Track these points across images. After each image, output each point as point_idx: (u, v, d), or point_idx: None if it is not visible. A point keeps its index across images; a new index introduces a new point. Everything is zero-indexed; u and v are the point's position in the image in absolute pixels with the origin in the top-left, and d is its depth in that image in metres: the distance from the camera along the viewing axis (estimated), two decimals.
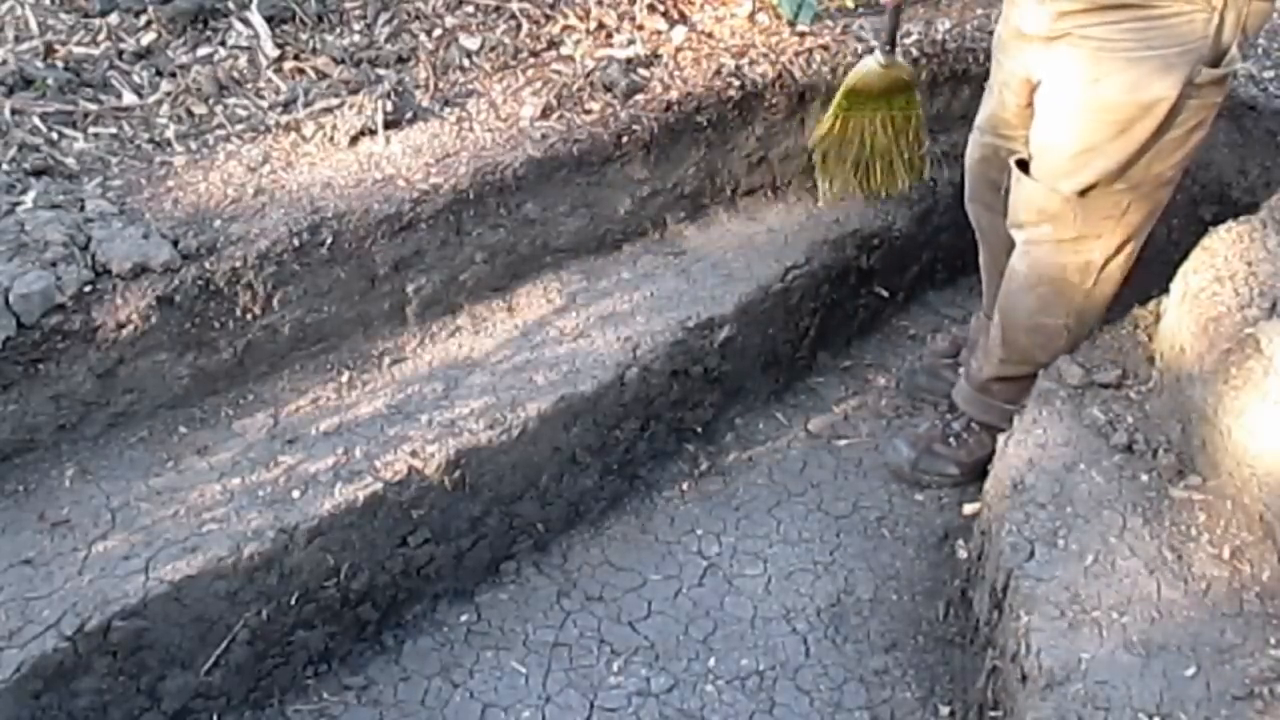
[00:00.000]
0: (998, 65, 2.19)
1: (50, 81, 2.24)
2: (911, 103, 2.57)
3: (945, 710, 1.97)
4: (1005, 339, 2.28)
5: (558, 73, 2.53)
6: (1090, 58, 1.92)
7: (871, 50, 2.51)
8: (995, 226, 2.31)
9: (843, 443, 2.53)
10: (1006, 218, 2.20)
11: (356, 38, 2.55)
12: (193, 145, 2.24)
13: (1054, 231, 2.10)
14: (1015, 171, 2.12)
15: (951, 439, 2.42)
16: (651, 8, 2.75)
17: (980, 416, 2.39)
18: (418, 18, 2.63)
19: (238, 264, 2.01)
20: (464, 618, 2.13)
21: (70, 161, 2.13)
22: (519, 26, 2.65)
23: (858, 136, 2.58)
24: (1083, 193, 2.02)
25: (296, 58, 2.47)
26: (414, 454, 1.99)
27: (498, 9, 2.68)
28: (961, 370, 2.49)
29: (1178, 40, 1.85)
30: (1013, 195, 2.17)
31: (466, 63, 2.55)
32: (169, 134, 2.25)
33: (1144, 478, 1.86)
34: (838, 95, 2.53)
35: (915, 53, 2.70)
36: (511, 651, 2.07)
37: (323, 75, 2.44)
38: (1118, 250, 2.11)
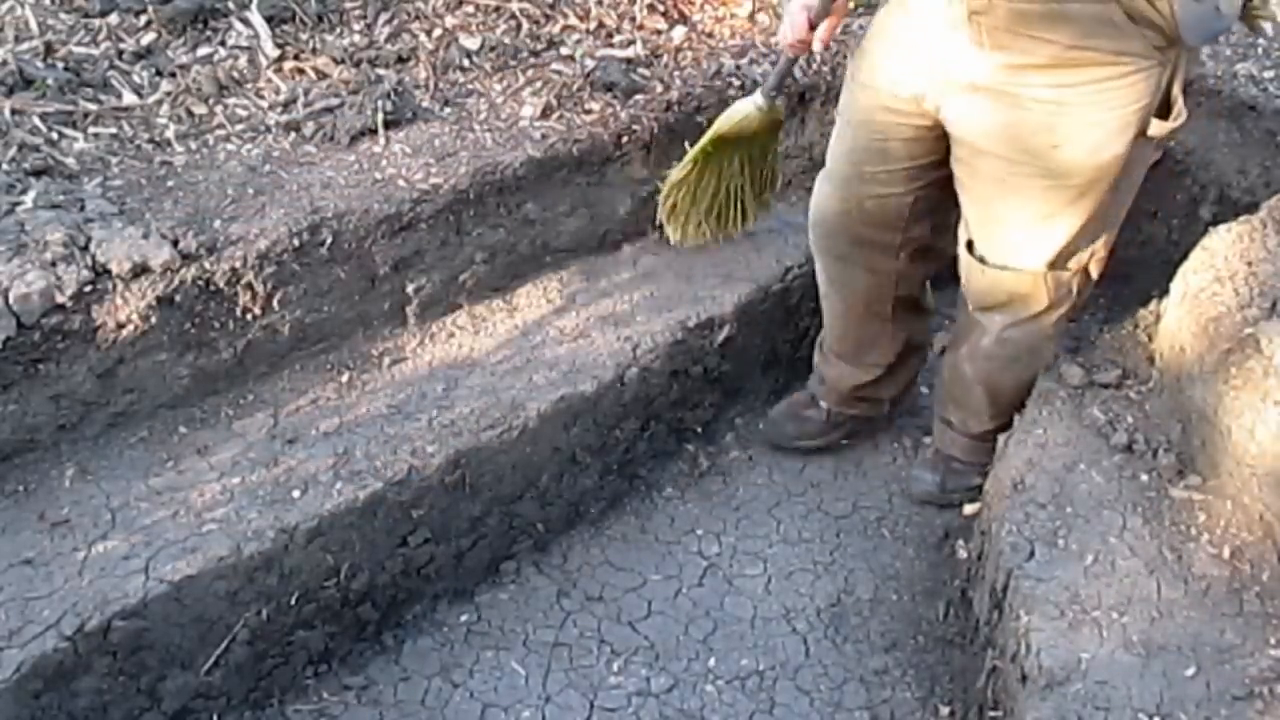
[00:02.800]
0: (873, 92, 1.97)
1: (50, 81, 2.24)
2: (773, 141, 2.43)
3: (945, 710, 1.97)
4: (994, 404, 2.18)
5: (558, 73, 2.54)
6: (1045, 124, 1.76)
7: (755, 90, 2.32)
8: (850, 279, 2.20)
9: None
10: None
11: (356, 38, 2.55)
12: (193, 145, 2.24)
13: (1028, 308, 2.00)
14: (969, 260, 2.01)
15: (961, 464, 2.34)
16: (651, 8, 2.75)
17: (982, 458, 2.25)
18: (418, 18, 2.63)
19: (238, 264, 2.01)
20: (464, 618, 2.13)
21: (70, 161, 2.13)
22: (519, 26, 2.66)
23: (714, 181, 2.41)
24: (1051, 263, 1.93)
25: (296, 58, 2.47)
26: (414, 454, 1.99)
27: (498, 9, 2.68)
28: (940, 421, 2.34)
29: (1134, 98, 1.74)
30: (971, 283, 2.05)
31: (466, 63, 2.55)
32: (169, 134, 2.25)
33: (1144, 478, 1.86)
34: (702, 140, 2.34)
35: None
36: (511, 651, 2.07)
37: (323, 75, 2.44)
38: (1089, 281, 2.04)
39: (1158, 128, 1.78)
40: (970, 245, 2.01)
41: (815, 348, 2.46)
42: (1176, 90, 1.77)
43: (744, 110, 2.30)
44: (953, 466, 2.34)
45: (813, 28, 2.01)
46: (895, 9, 1.92)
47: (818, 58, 2.65)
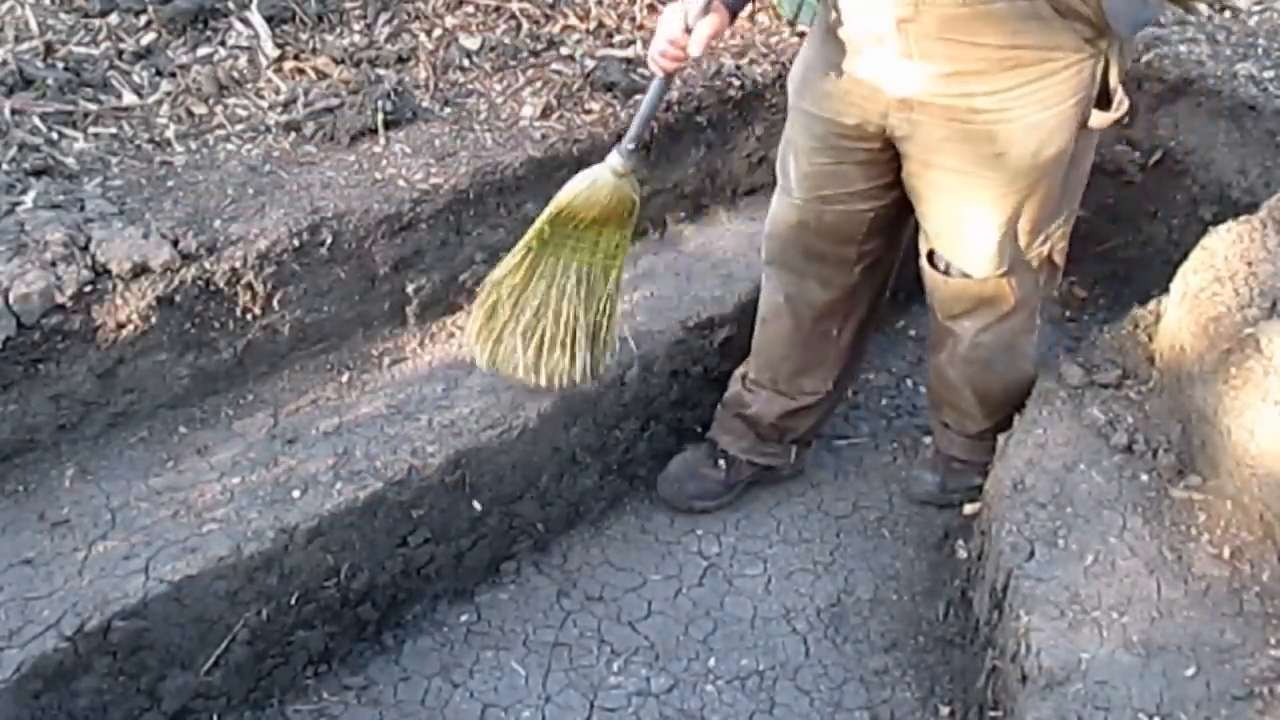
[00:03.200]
0: (820, 121, 1.91)
1: (50, 81, 2.24)
2: (624, 242, 1.99)
3: (945, 710, 1.97)
4: (984, 404, 2.17)
5: (558, 73, 2.53)
6: (985, 132, 1.75)
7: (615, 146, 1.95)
8: (804, 293, 2.14)
9: (843, 443, 2.53)
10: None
11: (356, 38, 2.55)
12: (193, 145, 2.24)
13: (996, 310, 2.00)
14: (931, 272, 2.01)
15: (962, 463, 2.33)
16: (651, 8, 2.75)
17: (983, 456, 2.23)
18: (418, 18, 2.63)
19: (238, 264, 2.01)
20: (464, 618, 2.13)
21: (70, 161, 2.13)
22: (519, 26, 2.66)
23: (543, 285, 1.97)
24: (1011, 266, 1.93)
25: (296, 58, 2.47)
26: (414, 454, 1.99)
27: (498, 9, 2.68)
28: (937, 422, 2.31)
29: (1070, 93, 1.72)
30: (937, 293, 2.05)
31: (466, 63, 2.55)
32: (169, 134, 2.25)
33: (1144, 478, 1.86)
34: (540, 220, 1.93)
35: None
36: (511, 651, 2.07)
37: (323, 75, 2.44)
38: (1055, 271, 2.04)
39: (1099, 119, 1.77)
40: (931, 256, 2.00)
41: (730, 384, 2.34)
42: (1114, 81, 1.76)
43: (597, 175, 1.94)
44: (953, 466, 2.33)
45: (688, 31, 1.80)
46: (824, 36, 1.88)
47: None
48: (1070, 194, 1.91)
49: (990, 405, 2.17)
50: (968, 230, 1.90)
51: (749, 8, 2.18)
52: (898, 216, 2.05)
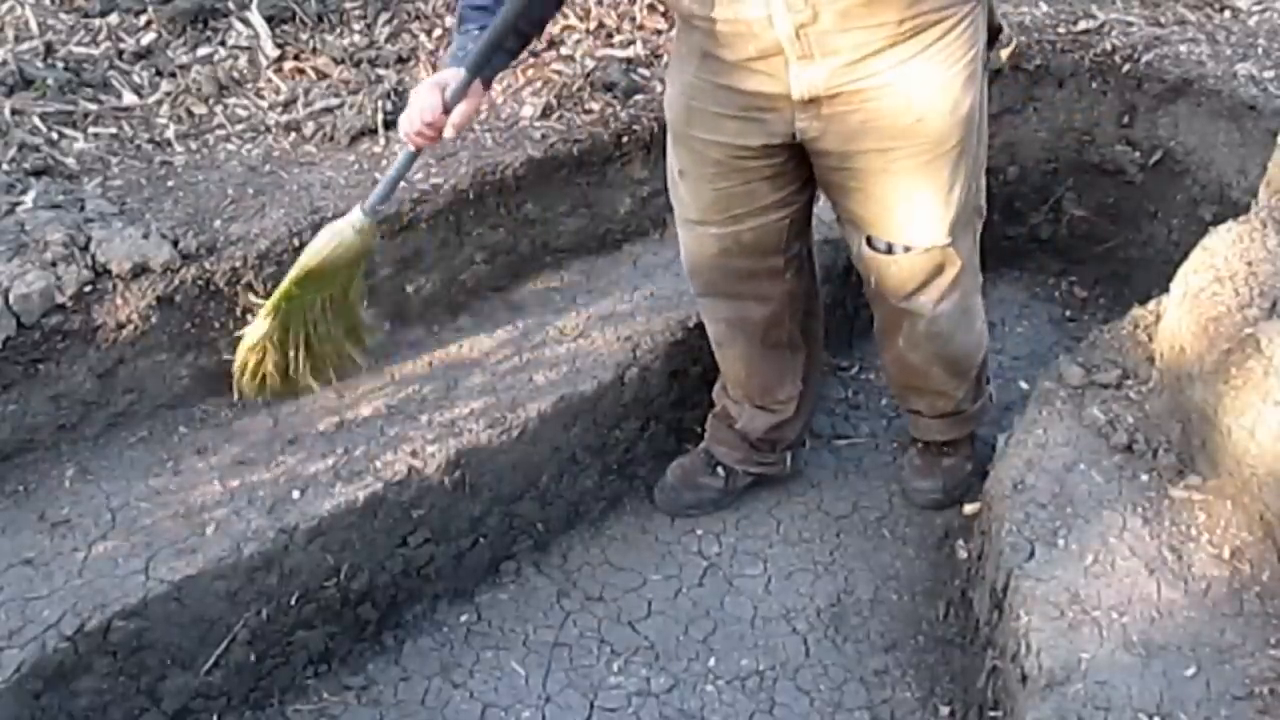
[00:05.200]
0: (717, 146, 1.86)
1: (50, 81, 2.24)
2: (358, 270, 2.05)
3: (945, 710, 1.97)
4: (954, 374, 2.15)
5: (558, 73, 2.53)
6: (901, 105, 1.72)
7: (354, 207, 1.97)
8: (745, 314, 2.11)
9: (843, 443, 2.53)
10: (883, 299, 2.01)
11: (356, 38, 2.55)
12: (193, 145, 2.24)
13: (947, 276, 1.96)
14: (875, 256, 1.95)
15: (948, 448, 2.34)
16: (651, 8, 2.75)
17: (963, 431, 2.25)
18: (418, 18, 2.63)
19: (238, 264, 2.01)
20: (464, 618, 2.13)
21: (70, 161, 2.13)
22: None
23: (290, 332, 2.03)
24: (952, 227, 1.88)
25: (296, 58, 2.47)
26: (414, 454, 1.99)
27: None
28: (910, 414, 2.30)
29: (969, 44, 1.72)
30: (885, 278, 1.98)
31: None
32: (169, 134, 2.25)
33: (1144, 478, 1.86)
34: (286, 282, 1.96)
35: None
36: (511, 651, 2.07)
37: (323, 75, 2.44)
38: (982, 215, 2.01)
39: (999, 57, 1.78)
40: (870, 241, 1.94)
41: (714, 399, 2.32)
42: (997, 17, 1.80)
43: (338, 234, 1.95)
44: (943, 462, 2.32)
45: (447, 111, 1.76)
46: (700, 59, 1.80)
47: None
48: (983, 142, 1.90)
49: (959, 374, 2.16)
50: (908, 204, 1.86)
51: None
52: (809, 209, 2.04)
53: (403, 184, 2.18)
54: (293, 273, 1.96)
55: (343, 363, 2.14)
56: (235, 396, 2.07)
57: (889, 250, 1.93)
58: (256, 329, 2.00)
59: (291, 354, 2.04)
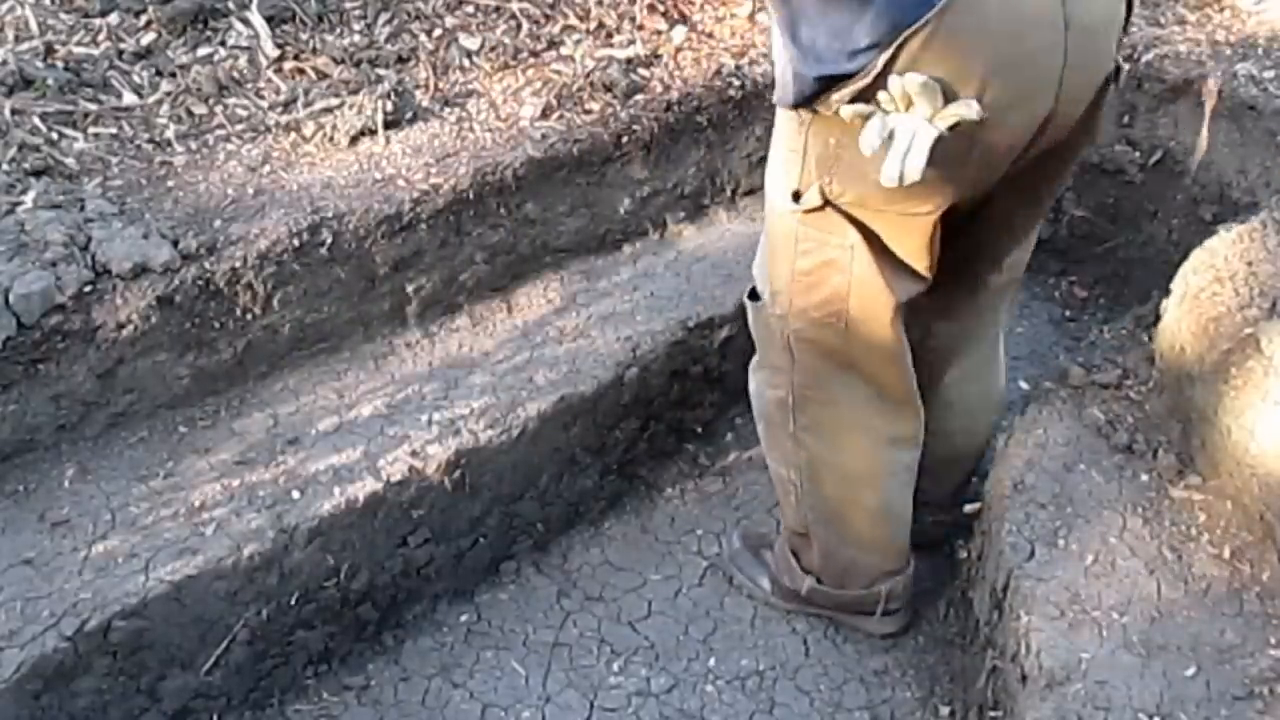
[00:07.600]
0: (925, 219, 1.61)
1: (50, 81, 2.24)
2: None
3: (945, 710, 1.97)
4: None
5: (558, 73, 2.53)
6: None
7: None
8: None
9: None
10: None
11: (356, 38, 2.55)
12: (193, 145, 2.24)
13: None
14: (990, 276, 1.86)
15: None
16: (651, 8, 2.75)
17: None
18: (418, 18, 2.63)
19: (238, 264, 2.01)
20: (464, 618, 2.13)
21: (70, 161, 2.13)
22: (519, 26, 2.65)
23: None
24: None
25: (296, 58, 2.47)
26: (414, 454, 1.99)
27: (498, 9, 2.68)
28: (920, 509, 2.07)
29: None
30: (990, 284, 1.87)
31: (466, 63, 2.55)
32: (169, 134, 2.25)
33: (1144, 478, 1.86)
34: None
35: None
36: (511, 651, 2.07)
37: (323, 75, 2.44)
38: None
39: None
40: (995, 266, 1.84)
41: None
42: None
43: None
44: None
45: None
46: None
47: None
48: None
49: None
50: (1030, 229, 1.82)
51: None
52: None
53: (403, 183, 2.19)
54: None
55: None
56: None
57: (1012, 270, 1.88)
58: None
59: None
